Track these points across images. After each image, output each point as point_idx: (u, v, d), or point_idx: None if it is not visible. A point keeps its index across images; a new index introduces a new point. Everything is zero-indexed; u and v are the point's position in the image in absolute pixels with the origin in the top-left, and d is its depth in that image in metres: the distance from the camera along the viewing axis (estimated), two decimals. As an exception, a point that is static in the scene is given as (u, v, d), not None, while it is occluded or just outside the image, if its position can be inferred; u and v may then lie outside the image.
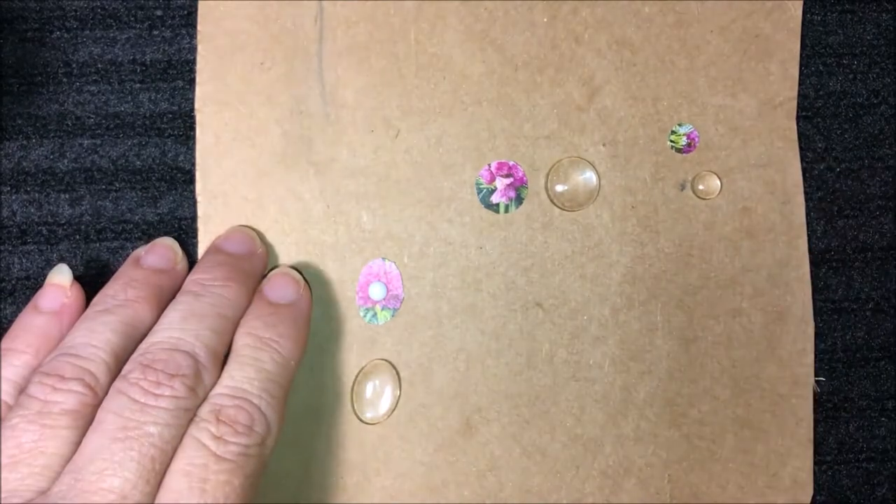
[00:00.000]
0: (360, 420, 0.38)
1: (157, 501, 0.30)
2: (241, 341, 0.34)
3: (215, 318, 0.33)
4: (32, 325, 0.34)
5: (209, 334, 0.33)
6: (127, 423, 0.30)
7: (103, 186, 0.38)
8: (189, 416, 0.31)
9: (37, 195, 0.38)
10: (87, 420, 0.31)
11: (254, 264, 0.36)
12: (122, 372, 0.32)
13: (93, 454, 0.30)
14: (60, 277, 0.35)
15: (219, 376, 0.33)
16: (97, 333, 0.33)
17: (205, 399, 0.32)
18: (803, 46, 0.40)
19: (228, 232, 0.37)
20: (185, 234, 0.38)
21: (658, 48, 0.39)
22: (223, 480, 0.31)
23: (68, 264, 0.38)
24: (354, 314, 0.38)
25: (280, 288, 0.36)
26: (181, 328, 0.33)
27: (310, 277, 0.38)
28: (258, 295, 0.36)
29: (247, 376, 0.33)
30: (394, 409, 0.38)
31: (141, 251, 0.37)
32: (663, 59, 0.39)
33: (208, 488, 0.30)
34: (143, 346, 0.33)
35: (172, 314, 0.33)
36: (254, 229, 0.38)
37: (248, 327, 0.34)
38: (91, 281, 0.38)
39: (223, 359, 0.34)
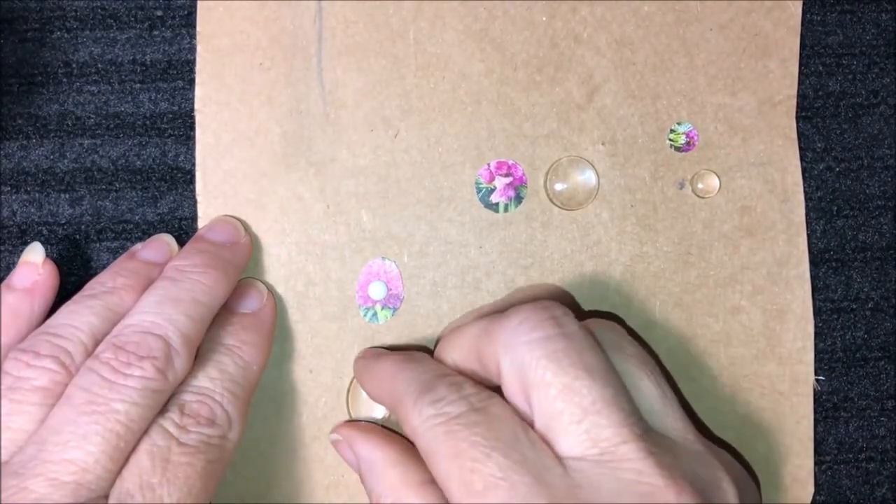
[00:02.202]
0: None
1: (120, 477, 0.31)
2: (205, 347, 0.35)
3: (191, 303, 0.34)
4: (4, 302, 0.35)
5: (183, 319, 0.33)
6: (94, 399, 0.31)
7: (103, 186, 0.38)
8: (158, 399, 0.32)
9: (37, 195, 0.38)
10: (57, 398, 0.32)
11: (236, 253, 0.37)
12: (95, 352, 0.33)
13: (58, 426, 0.31)
14: (33, 255, 0.36)
15: (191, 362, 0.34)
16: (79, 315, 0.34)
17: (174, 388, 0.33)
18: (803, 46, 0.40)
19: (212, 221, 0.38)
20: (185, 234, 0.38)
21: (657, 47, 0.39)
22: (185, 462, 0.31)
23: (68, 264, 0.38)
24: (354, 314, 0.38)
25: (244, 298, 0.37)
26: (156, 312, 0.33)
27: (309, 277, 0.38)
28: (223, 306, 0.36)
29: (209, 376, 0.34)
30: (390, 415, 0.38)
31: (139, 246, 0.37)
32: (662, 58, 0.39)
33: (170, 468, 0.31)
34: (117, 328, 0.33)
35: (149, 298, 0.34)
36: (239, 219, 0.38)
37: (212, 335, 0.35)
38: (91, 281, 0.38)
39: (197, 344, 0.34)
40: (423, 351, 0.37)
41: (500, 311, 0.34)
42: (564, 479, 0.29)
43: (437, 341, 0.38)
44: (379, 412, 0.38)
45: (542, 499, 0.29)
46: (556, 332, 0.31)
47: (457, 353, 0.34)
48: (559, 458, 0.30)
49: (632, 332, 0.39)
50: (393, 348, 0.38)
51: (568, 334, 0.31)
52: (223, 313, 0.36)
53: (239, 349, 0.35)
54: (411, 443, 0.36)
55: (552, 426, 0.30)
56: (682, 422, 0.33)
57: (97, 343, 0.33)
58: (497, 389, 0.32)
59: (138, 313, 0.33)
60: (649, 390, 0.32)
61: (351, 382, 0.38)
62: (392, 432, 0.37)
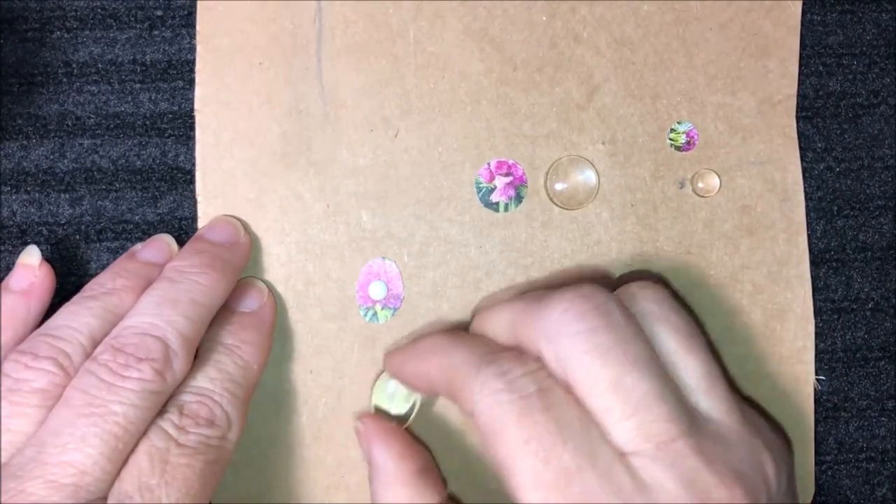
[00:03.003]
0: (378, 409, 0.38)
1: (119, 478, 0.31)
2: (204, 347, 0.35)
3: (189, 304, 0.34)
4: (1, 304, 0.35)
5: (182, 320, 0.33)
6: (93, 401, 0.31)
7: (103, 186, 0.38)
8: (156, 400, 0.32)
9: (37, 195, 0.38)
10: (55, 400, 0.32)
11: (235, 253, 0.37)
12: (94, 353, 0.33)
13: (57, 429, 0.31)
14: (29, 258, 0.36)
15: (190, 364, 0.34)
16: (78, 316, 0.34)
17: (173, 390, 0.33)
18: (803, 46, 0.40)
19: (212, 221, 0.38)
20: (185, 234, 0.38)
21: (657, 46, 0.39)
22: (183, 463, 0.31)
23: (68, 264, 0.38)
24: (355, 314, 0.38)
25: (243, 297, 0.37)
26: (154, 313, 0.33)
27: (309, 277, 0.38)
28: (223, 305, 0.36)
29: (209, 377, 0.34)
30: (411, 413, 0.38)
31: (138, 246, 0.37)
32: (662, 58, 0.39)
33: (169, 469, 0.31)
34: (115, 330, 0.33)
35: (147, 299, 0.34)
36: (238, 219, 0.38)
37: (211, 334, 0.35)
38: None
39: (196, 345, 0.34)
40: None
41: (539, 290, 0.34)
42: (632, 479, 0.29)
43: (473, 317, 0.38)
44: (395, 411, 0.38)
45: (614, 498, 0.29)
46: (600, 324, 0.31)
47: (494, 332, 0.34)
48: (620, 454, 0.30)
49: (656, 261, 0.39)
50: (393, 347, 0.38)
51: (612, 325, 0.31)
52: (223, 313, 0.36)
53: (238, 349, 0.35)
54: (430, 457, 0.36)
55: (601, 421, 0.30)
56: (725, 402, 0.32)
57: (96, 344, 0.33)
58: None
59: (137, 315, 0.33)
60: (695, 369, 0.32)
61: (378, 377, 0.38)
62: (414, 443, 0.36)
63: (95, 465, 0.30)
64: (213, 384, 0.34)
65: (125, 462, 0.31)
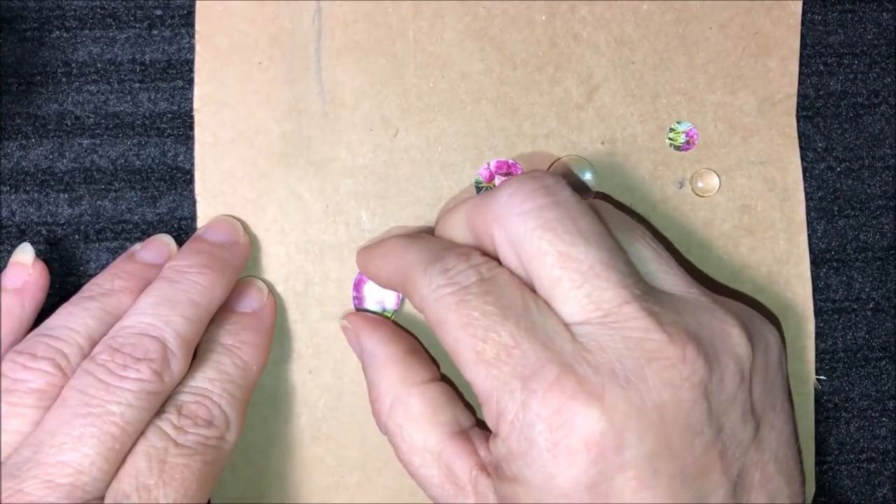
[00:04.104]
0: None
1: (116, 478, 0.31)
2: (204, 347, 0.35)
3: (188, 304, 0.34)
4: None
5: (180, 321, 0.33)
6: (90, 401, 0.31)
7: (103, 186, 0.38)
8: (154, 401, 0.32)
9: (36, 195, 0.38)
10: (53, 400, 0.32)
11: (234, 253, 0.37)
12: (91, 353, 0.33)
13: (54, 429, 0.31)
14: (23, 256, 0.36)
15: (188, 364, 0.34)
16: (76, 317, 0.34)
17: (171, 390, 0.33)
18: (803, 46, 0.40)
19: (211, 221, 0.38)
20: (185, 234, 0.38)
21: (657, 46, 0.39)
22: (181, 463, 0.31)
23: (67, 264, 0.38)
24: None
25: (243, 297, 0.37)
26: (152, 314, 0.33)
27: (309, 277, 0.38)
28: (223, 305, 0.36)
29: (208, 377, 0.34)
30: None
31: (138, 246, 0.37)
32: (662, 57, 0.39)
33: (167, 469, 0.31)
34: (113, 329, 0.33)
35: (146, 300, 0.34)
36: (238, 219, 0.38)
37: (210, 335, 0.35)
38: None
39: (194, 345, 0.34)
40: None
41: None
42: (573, 344, 0.29)
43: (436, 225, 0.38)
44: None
45: (553, 365, 0.29)
46: (548, 201, 0.31)
47: (451, 231, 0.34)
48: (565, 325, 0.30)
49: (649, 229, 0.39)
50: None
51: (560, 202, 0.31)
52: (222, 313, 0.36)
53: (238, 349, 0.35)
54: (417, 341, 0.37)
55: (553, 294, 0.30)
56: (682, 277, 0.33)
57: (94, 345, 0.33)
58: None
59: (135, 315, 0.33)
60: (643, 252, 0.33)
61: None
62: (400, 329, 0.37)
63: (92, 465, 0.30)
64: (211, 385, 0.34)
65: (123, 462, 0.31)
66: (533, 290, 0.31)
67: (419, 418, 0.34)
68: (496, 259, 0.32)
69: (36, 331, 0.34)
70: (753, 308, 0.35)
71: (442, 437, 0.33)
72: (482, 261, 0.32)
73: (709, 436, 0.30)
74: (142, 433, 0.32)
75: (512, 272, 0.32)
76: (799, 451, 0.33)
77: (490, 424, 0.31)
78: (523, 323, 0.30)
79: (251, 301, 0.37)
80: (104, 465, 0.30)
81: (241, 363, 0.35)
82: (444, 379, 0.36)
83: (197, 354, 0.35)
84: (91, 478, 0.30)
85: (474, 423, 0.35)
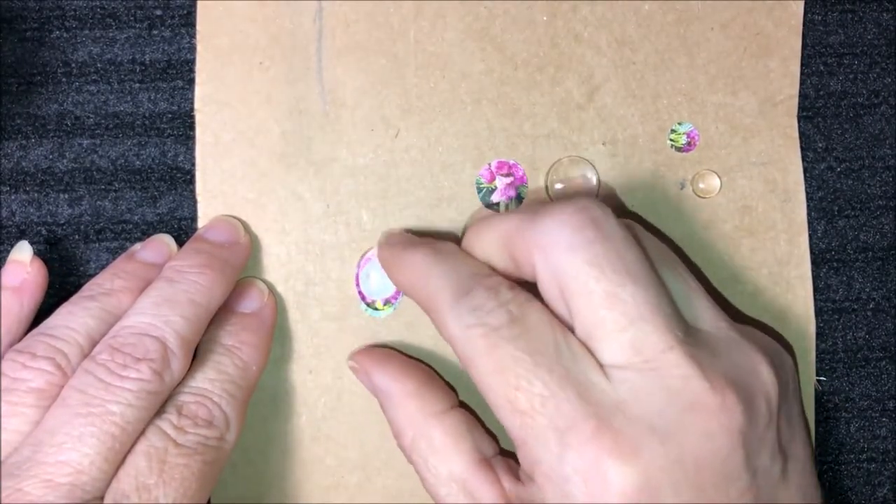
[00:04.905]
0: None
1: (116, 477, 0.31)
2: (204, 347, 0.35)
3: (188, 304, 0.34)
4: None
5: (180, 321, 0.33)
6: (90, 401, 0.31)
7: (103, 186, 0.38)
8: (154, 401, 0.32)
9: (36, 195, 0.38)
10: (52, 400, 0.32)
11: (234, 253, 0.37)
12: (92, 353, 0.33)
13: (53, 428, 0.31)
14: (21, 254, 0.36)
15: (188, 364, 0.34)
16: (76, 317, 0.34)
17: (171, 390, 0.33)
18: (804, 46, 0.40)
19: (212, 221, 0.38)
20: (185, 234, 0.38)
21: (658, 46, 0.39)
22: (181, 463, 0.31)
23: (68, 265, 0.38)
24: (355, 313, 0.38)
25: (244, 298, 0.37)
26: (153, 314, 0.33)
27: (309, 277, 0.38)
28: (223, 305, 0.36)
29: (208, 377, 0.34)
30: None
31: (138, 246, 0.37)
32: (663, 57, 0.39)
33: (166, 469, 0.31)
34: (113, 329, 0.33)
35: (146, 300, 0.34)
36: (239, 219, 0.38)
37: (211, 335, 0.35)
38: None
39: (194, 345, 0.34)
40: (451, 241, 0.37)
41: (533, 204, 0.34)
42: (610, 395, 0.29)
43: (464, 230, 0.38)
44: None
45: (590, 419, 0.29)
46: (596, 236, 0.30)
47: (487, 246, 0.34)
48: (602, 367, 0.30)
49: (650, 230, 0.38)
50: (393, 344, 0.38)
51: (609, 237, 0.30)
52: (223, 313, 0.36)
53: (238, 350, 0.35)
54: (429, 368, 0.36)
55: (594, 334, 0.30)
56: (711, 310, 0.32)
57: (94, 345, 0.33)
58: (531, 286, 0.32)
59: (135, 314, 0.33)
60: (677, 285, 0.32)
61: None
62: (411, 360, 0.37)
63: (92, 464, 0.30)
64: (212, 385, 0.34)
65: (123, 462, 0.31)
66: (569, 324, 0.31)
67: (442, 449, 0.34)
68: (528, 283, 0.32)
69: (36, 330, 0.34)
70: (750, 322, 0.35)
71: (466, 466, 0.33)
72: (511, 296, 0.31)
73: (745, 481, 0.30)
74: (142, 433, 0.32)
75: (545, 306, 0.31)
76: (815, 471, 0.34)
77: (524, 467, 0.31)
78: (557, 370, 0.29)
79: (251, 301, 0.37)
80: (104, 465, 0.30)
81: (241, 363, 0.35)
82: (462, 405, 0.36)
83: (197, 354, 0.35)
84: (91, 477, 0.30)
85: (497, 451, 0.34)
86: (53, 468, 0.30)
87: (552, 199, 0.38)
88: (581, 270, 0.30)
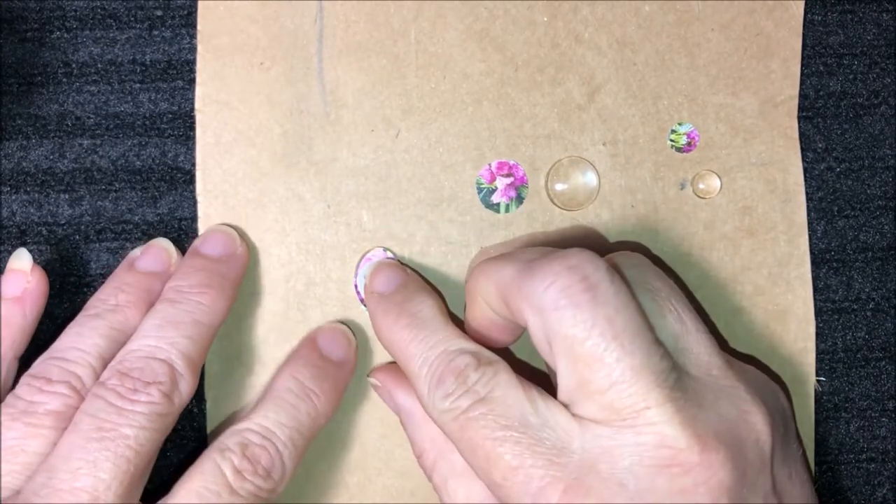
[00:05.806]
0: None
1: None
2: (284, 384, 0.35)
3: (192, 325, 0.34)
4: None
5: (185, 342, 0.33)
6: (103, 425, 0.31)
7: (103, 186, 0.38)
8: (166, 422, 0.32)
9: (36, 195, 0.38)
10: (69, 422, 0.32)
11: (232, 267, 0.36)
12: (101, 378, 0.33)
13: (68, 454, 0.31)
14: (20, 262, 0.36)
15: (196, 384, 0.34)
16: (85, 338, 0.34)
17: (181, 411, 0.33)
18: (804, 46, 0.40)
19: (207, 233, 0.37)
20: (185, 234, 0.38)
21: (658, 47, 0.39)
22: None
23: (68, 265, 0.38)
24: (355, 314, 0.38)
25: (333, 343, 0.37)
26: (157, 336, 0.33)
27: (310, 277, 0.38)
28: (311, 342, 0.36)
29: (279, 421, 0.34)
30: None
31: (136, 252, 0.37)
32: (664, 58, 0.39)
33: None
34: (120, 354, 0.33)
35: (150, 322, 0.34)
36: (234, 226, 0.38)
37: (294, 370, 0.35)
38: (91, 282, 0.38)
39: (201, 365, 0.34)
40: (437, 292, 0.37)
41: (533, 248, 0.34)
42: (579, 455, 0.30)
43: (470, 267, 0.38)
44: None
45: (559, 483, 0.29)
46: (585, 298, 0.30)
47: (486, 295, 0.34)
48: (578, 419, 0.30)
49: (657, 262, 0.38)
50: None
51: (598, 297, 0.30)
52: (310, 350, 0.36)
53: (317, 397, 0.35)
54: None
55: (575, 394, 0.30)
56: (707, 355, 0.32)
57: (105, 363, 0.33)
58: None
59: (140, 338, 0.33)
60: (672, 327, 0.32)
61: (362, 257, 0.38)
62: None
63: (108, 489, 0.30)
64: (280, 431, 0.34)
65: (138, 482, 0.31)
66: (556, 375, 0.31)
67: (464, 472, 0.34)
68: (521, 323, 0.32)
69: (46, 354, 0.34)
70: (744, 358, 0.35)
71: (485, 494, 0.33)
72: (478, 377, 0.32)
73: None
74: (198, 466, 0.32)
75: (514, 376, 0.32)
76: (814, 496, 0.34)
77: None
78: (524, 440, 0.30)
79: (339, 349, 0.37)
80: (119, 489, 0.30)
81: (315, 413, 0.35)
82: None
83: (273, 384, 0.35)
84: (106, 501, 0.30)
85: None
86: (70, 495, 0.30)
87: (552, 200, 0.38)
88: (568, 332, 0.30)
